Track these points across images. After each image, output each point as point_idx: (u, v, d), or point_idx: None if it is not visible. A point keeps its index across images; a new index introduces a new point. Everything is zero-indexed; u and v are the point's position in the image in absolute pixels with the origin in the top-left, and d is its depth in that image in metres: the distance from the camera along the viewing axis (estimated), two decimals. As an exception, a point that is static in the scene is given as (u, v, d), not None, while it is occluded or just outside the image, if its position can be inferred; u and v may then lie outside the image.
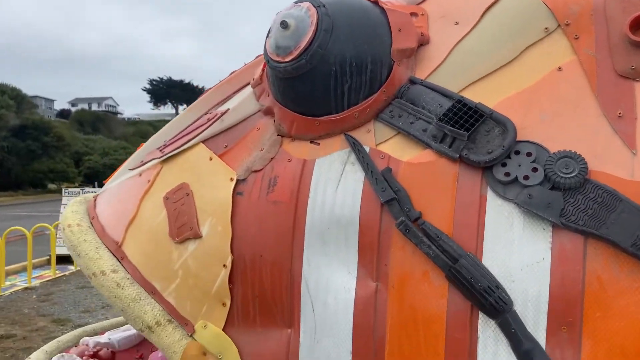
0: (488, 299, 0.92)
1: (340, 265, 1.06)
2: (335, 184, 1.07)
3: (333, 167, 1.09)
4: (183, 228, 1.17)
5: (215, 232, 1.14)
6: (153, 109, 66.69)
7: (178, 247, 1.17)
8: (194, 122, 1.39)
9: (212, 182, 1.19)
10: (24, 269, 7.63)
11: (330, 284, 1.06)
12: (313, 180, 1.09)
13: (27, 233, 7.39)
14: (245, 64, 1.52)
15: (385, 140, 1.09)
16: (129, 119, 62.63)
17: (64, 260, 8.40)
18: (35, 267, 8.13)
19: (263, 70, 1.27)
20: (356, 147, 1.09)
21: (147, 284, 1.18)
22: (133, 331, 1.62)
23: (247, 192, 1.14)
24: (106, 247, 1.24)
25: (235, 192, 1.15)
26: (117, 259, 1.22)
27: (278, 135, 1.18)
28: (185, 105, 68.08)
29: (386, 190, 1.02)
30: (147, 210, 1.26)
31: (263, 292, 1.10)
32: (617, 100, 0.96)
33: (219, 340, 1.12)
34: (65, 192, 9.34)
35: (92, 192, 9.35)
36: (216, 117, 1.29)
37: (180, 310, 1.15)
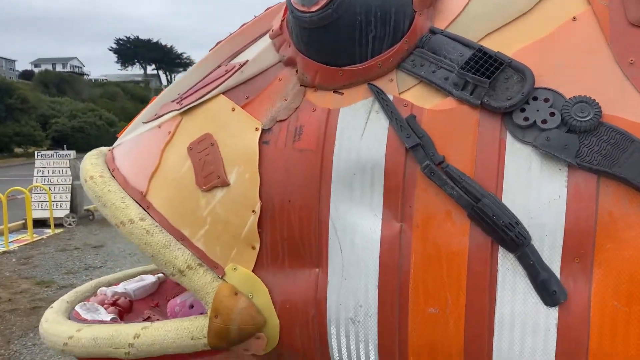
0: (509, 234, 1.00)
1: (366, 209, 1.12)
2: (360, 132, 1.12)
3: (358, 116, 1.14)
4: (210, 177, 1.20)
5: (243, 179, 1.18)
6: (121, 70, 64.87)
7: (205, 195, 1.21)
8: (209, 74, 1.40)
9: (236, 132, 1.22)
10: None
11: (357, 226, 1.12)
12: (338, 128, 1.14)
13: (1, 197, 7.26)
14: (255, 16, 1.53)
15: (407, 89, 1.13)
16: (95, 80, 60.78)
17: (40, 224, 8.31)
18: (11, 231, 8.03)
19: (283, 20, 1.29)
20: (380, 95, 1.13)
21: (176, 231, 1.22)
22: (147, 281, 1.67)
23: (273, 141, 1.18)
24: (131, 197, 1.27)
25: (262, 141, 1.19)
26: (143, 208, 1.25)
27: (301, 85, 1.21)
28: (154, 66, 66.51)
29: (411, 137, 1.07)
30: (170, 161, 1.28)
31: (292, 235, 1.16)
32: (629, 48, 1.03)
33: (250, 281, 1.18)
34: (38, 155, 9.13)
35: (65, 155, 9.20)
36: (234, 69, 1.31)
37: (210, 254, 1.20)
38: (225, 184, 1.20)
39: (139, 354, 1.19)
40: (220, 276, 1.20)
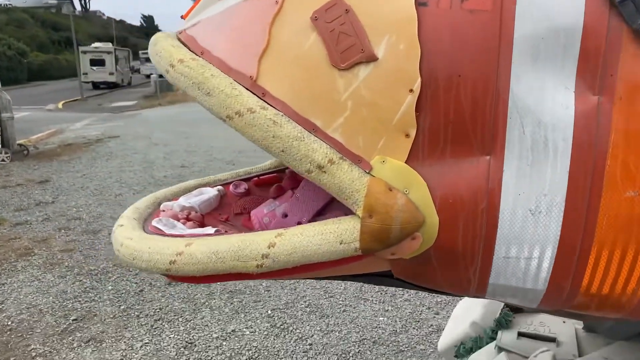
0: None
1: (555, 81, 0.94)
2: None
3: None
4: (350, 51, 0.95)
5: (397, 51, 0.95)
6: (26, -6, 58.64)
7: (344, 74, 0.97)
8: None
9: None
10: None
11: (544, 102, 0.94)
12: None
13: None
14: None
15: None
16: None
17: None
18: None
19: None
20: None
21: (305, 121, 0.97)
22: (209, 194, 1.42)
23: (432, 2, 0.95)
24: (238, 83, 1.00)
25: (417, 3, 0.95)
26: (257, 96, 0.99)
27: None
28: (64, -11, 60.63)
29: None
30: (284, 36, 1.02)
31: (460, 117, 0.95)
32: None
33: (404, 174, 0.97)
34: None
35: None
36: None
37: (351, 146, 0.98)
38: (371, 58, 0.95)
39: (274, 265, 0.97)
40: (367, 171, 0.98)
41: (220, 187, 1.47)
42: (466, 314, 2.22)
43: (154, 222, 1.19)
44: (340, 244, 0.97)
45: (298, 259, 0.97)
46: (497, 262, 1.01)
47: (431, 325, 3.07)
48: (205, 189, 1.43)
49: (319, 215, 1.25)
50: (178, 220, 1.25)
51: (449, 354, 2.22)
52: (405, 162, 0.98)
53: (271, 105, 0.98)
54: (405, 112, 0.96)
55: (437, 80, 0.95)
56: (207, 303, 3.40)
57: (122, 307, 3.36)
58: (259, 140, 0.96)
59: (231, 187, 1.47)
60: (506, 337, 1.89)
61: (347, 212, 1.24)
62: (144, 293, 3.56)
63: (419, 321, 3.12)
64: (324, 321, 3.13)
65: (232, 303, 3.39)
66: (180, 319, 3.20)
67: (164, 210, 1.29)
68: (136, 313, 3.28)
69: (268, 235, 0.99)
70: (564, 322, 1.99)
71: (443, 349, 2.23)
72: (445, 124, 0.96)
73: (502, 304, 2.11)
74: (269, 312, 3.27)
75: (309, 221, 1.24)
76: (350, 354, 2.80)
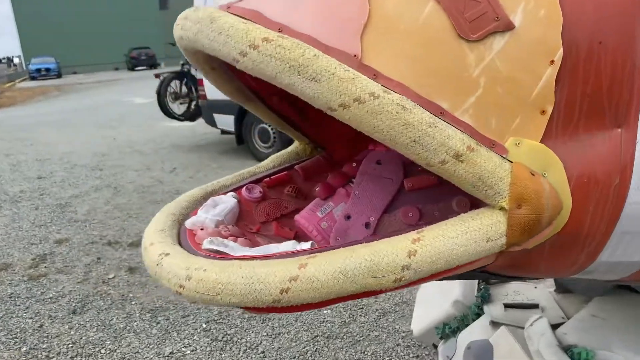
0: None
1: None
2: None
3: None
4: (481, 20, 0.83)
5: (536, 18, 0.84)
6: None
7: (475, 46, 0.84)
8: None
9: None
10: None
11: None
12: None
13: None
14: None
15: None
16: None
17: None
18: None
19: None
20: None
21: (430, 104, 0.83)
22: (229, 204, 1.19)
23: None
24: (345, 64, 0.82)
25: None
26: (370, 79, 0.82)
27: None
28: None
29: None
30: (389, 7, 0.85)
31: (597, 88, 0.88)
32: None
33: (542, 156, 0.88)
34: None
35: None
36: None
37: (483, 129, 0.85)
38: (508, 26, 0.83)
39: (415, 276, 0.82)
40: (503, 156, 0.87)
41: (233, 194, 1.25)
42: (441, 295, 2.22)
43: (207, 245, 0.95)
44: (487, 241, 0.85)
45: (442, 265, 0.83)
46: (613, 239, 0.98)
47: (376, 310, 3.06)
48: (219, 198, 1.21)
49: (385, 212, 1.11)
50: (227, 237, 1.02)
51: (427, 337, 2.21)
52: (540, 142, 0.89)
53: (389, 89, 0.82)
54: (544, 87, 0.87)
55: (578, 49, 0.87)
56: (127, 327, 3.01)
57: (23, 350, 2.83)
58: (383, 131, 0.80)
59: (244, 191, 1.26)
60: (495, 311, 1.92)
61: (426, 204, 1.11)
62: (45, 328, 3.03)
63: (362, 308, 3.09)
64: (267, 325, 2.95)
65: (157, 322, 3.05)
66: (102, 351, 2.79)
67: (202, 229, 1.04)
68: (44, 354, 2.78)
69: (402, 242, 0.83)
70: (535, 287, 2.09)
71: (421, 333, 2.21)
72: (582, 97, 0.89)
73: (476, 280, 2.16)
74: (204, 325, 2.99)
75: (378, 221, 1.10)
76: (308, 354, 2.67)
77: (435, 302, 2.23)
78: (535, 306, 1.94)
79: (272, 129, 6.98)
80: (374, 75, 0.82)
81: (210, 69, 1.14)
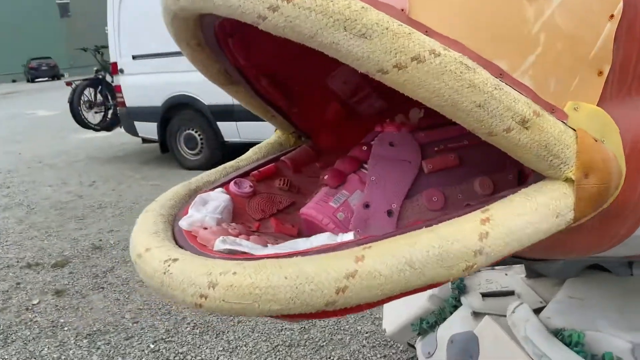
0: None
1: None
2: None
3: None
4: None
5: None
6: None
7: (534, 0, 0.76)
8: None
9: None
10: None
11: None
12: None
13: None
14: None
15: None
16: None
17: None
18: None
19: None
20: None
21: (489, 64, 0.73)
22: (221, 199, 1.04)
23: None
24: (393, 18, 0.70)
25: None
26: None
27: None
28: None
29: None
30: None
31: None
32: None
33: (600, 120, 0.80)
34: None
35: None
36: None
37: (542, 92, 0.77)
38: None
39: (486, 262, 0.71)
40: (564, 121, 0.79)
41: (221, 189, 1.10)
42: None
43: (220, 245, 0.81)
44: (556, 217, 0.76)
45: (514, 247, 0.73)
46: None
47: (335, 313, 2.95)
48: (207, 195, 1.06)
49: (405, 198, 1.01)
50: (238, 236, 0.88)
51: (402, 335, 2.14)
52: (597, 105, 0.83)
53: (449, 47, 0.71)
54: (603, 45, 0.80)
55: (637, 6, 0.81)
56: (62, 357, 2.70)
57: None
58: (444, 95, 0.69)
59: (232, 187, 1.11)
60: (474, 301, 1.88)
61: (447, 186, 1.03)
62: (-38, 367, 2.65)
63: (320, 312, 2.97)
64: (222, 339, 2.76)
65: (97, 348, 2.75)
66: (36, 387, 2.46)
67: (205, 229, 0.89)
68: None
69: (470, 223, 0.72)
70: (506, 274, 2.08)
71: (395, 331, 2.13)
72: (637, 58, 0.84)
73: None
74: (151, 345, 2.74)
75: (401, 207, 0.99)
76: (272, 366, 2.51)
77: (407, 298, 2.16)
78: (511, 293, 1.92)
79: (199, 135, 6.70)
80: (426, 32, 0.71)
81: (196, 44, 0.99)
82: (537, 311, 1.75)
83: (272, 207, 1.13)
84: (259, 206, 1.12)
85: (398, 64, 0.67)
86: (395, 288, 0.69)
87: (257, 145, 1.31)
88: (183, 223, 0.92)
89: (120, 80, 6.98)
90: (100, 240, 4.37)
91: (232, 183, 1.13)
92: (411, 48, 0.67)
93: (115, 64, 6.98)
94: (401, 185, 1.00)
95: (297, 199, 1.20)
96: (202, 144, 6.66)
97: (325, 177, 1.05)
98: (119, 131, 7.77)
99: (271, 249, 0.81)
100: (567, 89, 0.80)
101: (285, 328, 2.81)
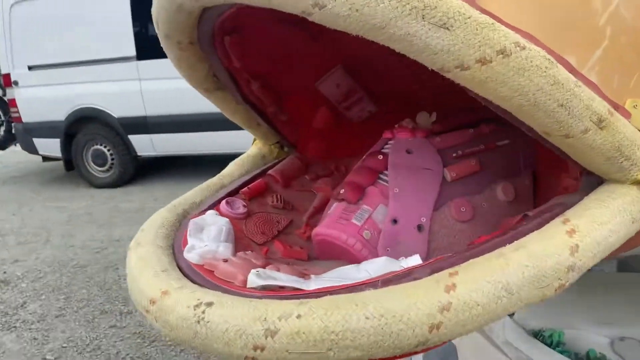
0: None
1: None
2: None
3: None
4: None
5: None
6: None
7: None
8: None
9: None
10: None
11: None
12: None
13: None
14: None
15: None
16: None
17: None
18: None
19: None
20: None
21: (561, 59, 0.66)
22: (221, 225, 0.89)
23: None
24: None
25: None
26: None
27: None
28: None
29: None
30: None
31: None
32: None
33: None
34: None
35: None
36: None
37: (607, 89, 0.70)
38: None
39: (578, 275, 0.64)
40: (628, 120, 0.73)
41: (213, 211, 0.96)
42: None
43: (255, 280, 0.67)
44: (633, 223, 0.70)
45: (599, 258, 0.66)
46: None
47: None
48: (202, 219, 0.91)
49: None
50: (274, 269, 0.74)
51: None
52: None
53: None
54: None
55: None
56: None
57: None
58: (528, 94, 0.61)
59: (224, 207, 0.97)
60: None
61: (471, 195, 0.95)
62: None
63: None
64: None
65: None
66: None
67: (225, 261, 0.74)
68: None
69: (557, 237, 0.64)
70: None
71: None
72: None
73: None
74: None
75: (432, 219, 0.90)
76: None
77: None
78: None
79: (108, 150, 6.24)
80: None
81: (188, 43, 0.85)
82: (511, 314, 1.74)
83: (272, 229, 1.00)
84: (257, 228, 0.98)
85: (482, 59, 0.58)
86: (491, 319, 0.59)
87: (237, 159, 1.17)
88: (192, 255, 0.76)
89: (14, 93, 6.34)
90: (5, 272, 3.89)
91: (222, 203, 0.98)
92: (497, 40, 0.58)
93: (7, 75, 6.33)
94: (427, 197, 0.91)
95: (294, 217, 1.08)
96: (112, 159, 6.21)
97: (341, 192, 0.93)
98: (14, 149, 7.06)
99: (318, 281, 0.68)
100: (627, 86, 0.75)
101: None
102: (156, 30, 0.84)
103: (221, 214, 0.96)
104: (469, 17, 0.57)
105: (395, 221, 0.88)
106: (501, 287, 0.58)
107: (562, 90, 0.62)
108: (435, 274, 0.60)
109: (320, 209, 1.14)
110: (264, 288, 0.67)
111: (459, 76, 0.60)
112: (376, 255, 0.86)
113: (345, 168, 1.26)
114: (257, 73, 0.99)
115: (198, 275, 0.72)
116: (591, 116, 0.65)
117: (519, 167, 1.03)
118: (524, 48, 0.59)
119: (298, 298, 0.61)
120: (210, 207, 0.97)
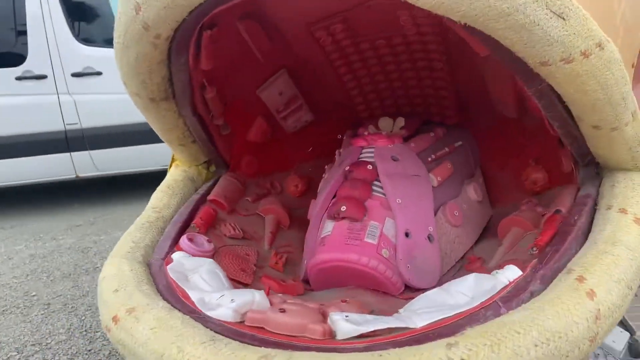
0: None
1: None
2: None
3: None
4: None
5: None
6: None
7: None
8: None
9: None
10: None
11: None
12: None
13: None
14: None
15: None
16: None
17: None
18: None
19: None
20: None
21: None
22: (216, 271, 0.70)
23: None
24: None
25: None
26: None
27: None
28: None
29: None
30: None
31: None
32: None
33: None
34: None
35: None
36: None
37: None
38: None
39: (599, 344, 0.61)
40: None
41: (183, 253, 0.78)
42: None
43: (346, 328, 0.57)
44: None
45: (617, 319, 0.66)
46: None
47: None
48: (181, 264, 0.74)
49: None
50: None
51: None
52: None
53: None
54: None
55: None
56: None
57: None
58: (610, 86, 0.63)
59: (186, 246, 0.80)
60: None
61: (454, 198, 0.93)
62: None
63: None
64: None
65: None
66: None
67: (282, 311, 0.59)
68: None
69: (579, 303, 0.58)
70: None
71: None
72: None
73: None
74: None
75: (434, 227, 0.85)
76: None
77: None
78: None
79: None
80: None
81: (165, 39, 0.70)
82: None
83: (247, 265, 0.84)
84: (235, 266, 0.80)
85: (585, 51, 0.57)
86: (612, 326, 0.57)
87: (163, 186, 0.95)
88: (222, 313, 0.58)
89: None
90: None
91: (184, 241, 0.78)
92: (596, 32, 0.58)
93: None
94: (427, 204, 0.86)
95: (257, 247, 0.92)
96: None
97: (342, 209, 0.81)
98: None
99: (418, 317, 0.57)
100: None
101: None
102: (140, 24, 0.64)
103: (191, 254, 0.76)
104: (578, 8, 0.55)
105: (407, 234, 0.81)
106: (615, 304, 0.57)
107: (626, 83, 0.63)
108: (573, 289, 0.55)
109: (277, 233, 1.00)
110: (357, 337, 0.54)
111: (557, 70, 0.57)
112: (399, 275, 0.77)
113: (280, 185, 1.13)
114: (214, 76, 0.83)
115: (247, 335, 0.55)
116: (633, 109, 0.68)
117: (471, 167, 1.05)
118: (609, 42, 0.60)
119: (422, 341, 0.50)
120: (170, 249, 0.77)
